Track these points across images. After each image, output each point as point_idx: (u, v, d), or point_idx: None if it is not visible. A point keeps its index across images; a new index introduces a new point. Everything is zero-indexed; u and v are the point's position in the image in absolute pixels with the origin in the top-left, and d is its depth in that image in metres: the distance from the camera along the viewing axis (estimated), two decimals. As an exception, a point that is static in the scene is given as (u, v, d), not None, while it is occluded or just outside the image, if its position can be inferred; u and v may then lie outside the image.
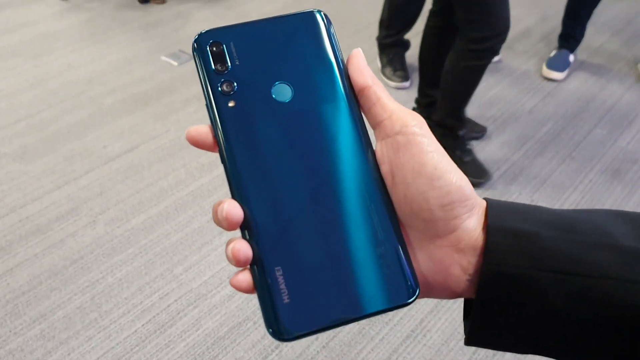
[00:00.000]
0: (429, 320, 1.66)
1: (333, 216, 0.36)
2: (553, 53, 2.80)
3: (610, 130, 2.43)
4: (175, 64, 2.84)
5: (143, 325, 1.65)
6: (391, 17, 2.63)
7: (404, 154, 0.36)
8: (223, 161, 0.37)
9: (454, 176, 0.35)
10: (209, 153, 2.13)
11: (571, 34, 2.77)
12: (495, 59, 2.84)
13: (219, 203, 0.36)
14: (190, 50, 2.87)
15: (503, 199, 2.12)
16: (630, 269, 0.34)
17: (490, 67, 2.78)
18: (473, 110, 2.43)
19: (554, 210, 0.38)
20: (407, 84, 2.67)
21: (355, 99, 0.38)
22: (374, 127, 0.38)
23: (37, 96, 2.60)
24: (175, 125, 2.41)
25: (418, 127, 0.36)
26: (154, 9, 3.37)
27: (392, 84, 2.67)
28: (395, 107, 0.37)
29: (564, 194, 2.11)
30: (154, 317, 1.67)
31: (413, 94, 2.36)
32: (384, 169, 0.37)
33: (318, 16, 0.39)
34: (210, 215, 1.98)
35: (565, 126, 2.45)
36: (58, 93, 2.62)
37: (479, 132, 2.36)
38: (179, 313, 1.68)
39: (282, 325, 0.35)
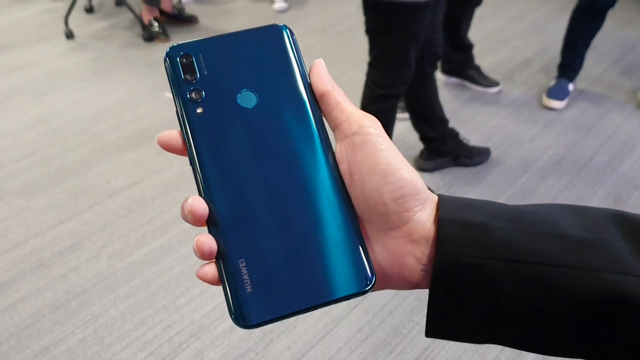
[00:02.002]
0: (432, 349, 1.65)
1: (294, 211, 0.38)
2: (552, 82, 2.83)
3: (611, 157, 2.44)
4: (179, 99, 2.87)
5: (145, 357, 1.64)
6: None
7: (360, 153, 0.38)
8: (192, 163, 0.39)
9: (406, 172, 0.37)
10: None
11: (570, 64, 2.80)
12: (495, 89, 2.87)
13: (186, 199, 0.37)
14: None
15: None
16: (577, 256, 0.35)
17: (490, 97, 2.83)
18: (474, 139, 2.45)
19: (503, 205, 0.39)
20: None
21: (317, 104, 0.40)
22: (333, 130, 0.40)
23: (41, 133, 2.63)
24: (178, 159, 2.43)
25: (373, 128, 0.38)
26: (158, 47, 3.43)
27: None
28: (352, 110, 0.40)
29: (567, 220, 2.10)
30: (157, 349, 1.66)
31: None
32: (343, 167, 0.39)
33: (282, 29, 0.42)
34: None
35: (567, 154, 2.46)
36: (62, 130, 2.65)
37: (485, 154, 2.39)
38: (181, 345, 1.67)
39: (245, 313, 0.36)
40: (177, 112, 0.40)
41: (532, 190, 2.25)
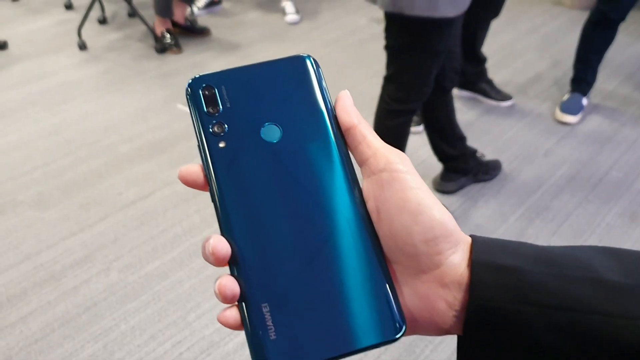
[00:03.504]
0: (446, 368, 1.63)
1: (320, 253, 0.36)
2: (566, 97, 2.81)
3: (627, 173, 2.41)
4: (191, 111, 2.87)
5: (155, 373, 1.63)
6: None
7: (388, 190, 0.37)
8: (213, 199, 0.38)
9: (437, 212, 0.36)
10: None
11: (583, 77, 2.78)
12: (508, 103, 2.86)
13: (207, 239, 0.36)
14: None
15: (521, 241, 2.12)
16: (616, 304, 0.34)
17: (504, 110, 2.82)
18: (487, 154, 2.43)
19: (538, 246, 0.38)
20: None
21: (343, 138, 0.39)
22: (360, 165, 0.39)
23: (53, 144, 2.64)
24: (190, 171, 2.43)
25: (402, 164, 0.37)
26: (170, 59, 3.44)
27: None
28: (379, 145, 0.38)
29: (582, 237, 2.08)
30: (166, 365, 1.65)
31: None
32: (370, 205, 0.38)
33: (306, 60, 0.41)
34: (224, 261, 1.97)
35: (581, 169, 2.43)
36: (74, 141, 2.66)
37: (498, 166, 2.38)
38: (191, 361, 1.65)
39: None
40: (198, 145, 0.39)
41: (546, 207, 2.22)
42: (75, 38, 3.58)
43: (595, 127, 2.72)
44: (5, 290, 1.88)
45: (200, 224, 2.14)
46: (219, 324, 1.68)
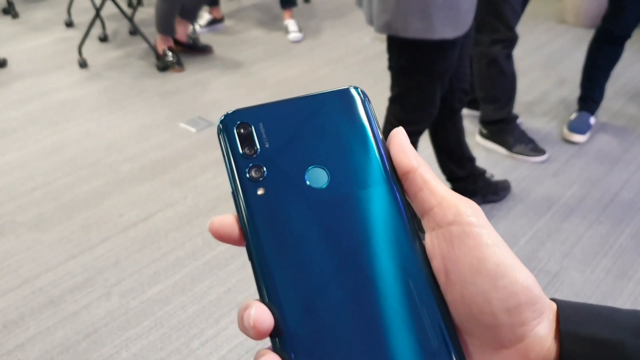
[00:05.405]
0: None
1: (378, 324, 0.31)
2: (573, 116, 2.77)
3: (638, 192, 2.37)
4: (194, 130, 2.83)
5: (158, 404, 1.57)
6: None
7: (460, 248, 0.31)
8: (251, 257, 0.32)
9: (520, 274, 0.31)
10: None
11: (590, 96, 2.75)
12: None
13: (246, 307, 0.30)
14: (208, 117, 2.88)
15: (531, 266, 2.04)
16: None
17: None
18: (495, 173, 2.38)
19: (632, 312, 0.32)
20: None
21: (399, 183, 0.34)
22: (421, 215, 0.34)
23: (54, 163, 2.59)
24: (193, 191, 2.38)
25: (474, 217, 0.32)
26: (172, 77, 3.41)
27: (533, 159, 2.58)
28: (445, 192, 0.33)
29: (594, 259, 2.03)
30: (169, 395, 1.59)
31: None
32: (436, 264, 0.32)
33: (354, 92, 0.36)
34: (228, 285, 1.92)
35: (591, 189, 2.39)
36: (75, 160, 2.61)
37: (507, 187, 2.33)
38: (195, 391, 1.60)
39: None
40: (232, 192, 0.33)
41: (557, 228, 2.17)
42: (76, 56, 3.55)
43: (603, 147, 2.68)
44: (3, 316, 1.82)
45: (203, 246, 2.08)
46: (224, 352, 1.63)
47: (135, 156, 2.64)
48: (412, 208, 0.34)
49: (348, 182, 0.33)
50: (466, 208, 0.32)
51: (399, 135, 0.34)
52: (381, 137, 0.35)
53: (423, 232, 0.34)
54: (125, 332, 1.77)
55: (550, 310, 0.32)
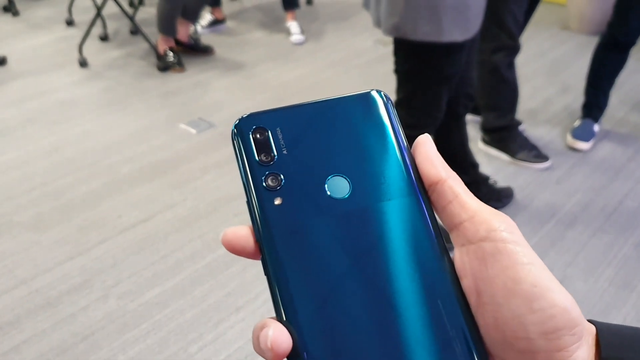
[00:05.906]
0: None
1: (405, 350, 0.28)
2: (577, 123, 2.75)
3: (642, 201, 2.35)
4: (194, 131, 2.81)
5: (154, 409, 1.54)
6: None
7: (493, 266, 0.29)
8: (267, 272, 0.30)
9: (558, 296, 0.28)
10: (228, 222, 2.01)
11: (594, 102, 2.73)
12: (520, 128, 2.79)
13: (262, 326, 0.28)
14: (209, 118, 2.85)
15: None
16: None
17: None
18: (498, 179, 2.36)
19: None
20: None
21: (426, 195, 0.32)
22: (450, 230, 0.31)
23: (53, 164, 2.57)
24: (193, 194, 2.36)
25: (508, 232, 0.29)
26: (173, 78, 3.39)
27: (536, 166, 2.55)
28: (476, 205, 0.31)
29: (598, 268, 2.01)
30: (167, 400, 1.56)
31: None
32: (466, 283, 0.30)
33: (377, 96, 0.33)
34: (227, 289, 1.89)
35: (595, 197, 2.37)
36: (74, 161, 2.59)
37: (510, 194, 2.31)
38: (193, 397, 1.57)
39: None
40: (247, 202, 0.31)
41: (561, 237, 2.15)
42: (76, 55, 3.52)
43: (607, 154, 2.66)
44: (-1, 317, 1.80)
45: (202, 249, 2.06)
46: (222, 357, 1.60)
47: (134, 157, 2.62)
48: (439, 222, 0.32)
49: (371, 193, 0.31)
50: (499, 223, 0.30)
51: (426, 143, 0.32)
52: (406, 144, 0.33)
53: (451, 247, 0.32)
54: (122, 335, 1.74)
55: (589, 334, 0.30)
